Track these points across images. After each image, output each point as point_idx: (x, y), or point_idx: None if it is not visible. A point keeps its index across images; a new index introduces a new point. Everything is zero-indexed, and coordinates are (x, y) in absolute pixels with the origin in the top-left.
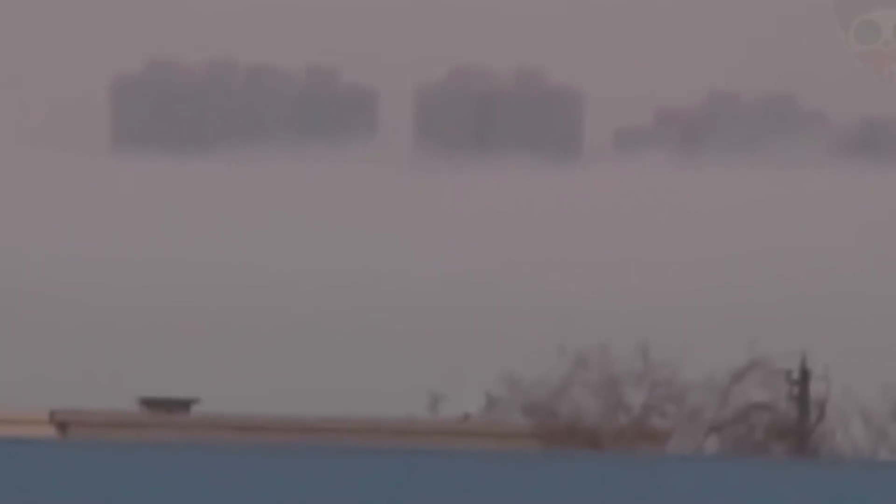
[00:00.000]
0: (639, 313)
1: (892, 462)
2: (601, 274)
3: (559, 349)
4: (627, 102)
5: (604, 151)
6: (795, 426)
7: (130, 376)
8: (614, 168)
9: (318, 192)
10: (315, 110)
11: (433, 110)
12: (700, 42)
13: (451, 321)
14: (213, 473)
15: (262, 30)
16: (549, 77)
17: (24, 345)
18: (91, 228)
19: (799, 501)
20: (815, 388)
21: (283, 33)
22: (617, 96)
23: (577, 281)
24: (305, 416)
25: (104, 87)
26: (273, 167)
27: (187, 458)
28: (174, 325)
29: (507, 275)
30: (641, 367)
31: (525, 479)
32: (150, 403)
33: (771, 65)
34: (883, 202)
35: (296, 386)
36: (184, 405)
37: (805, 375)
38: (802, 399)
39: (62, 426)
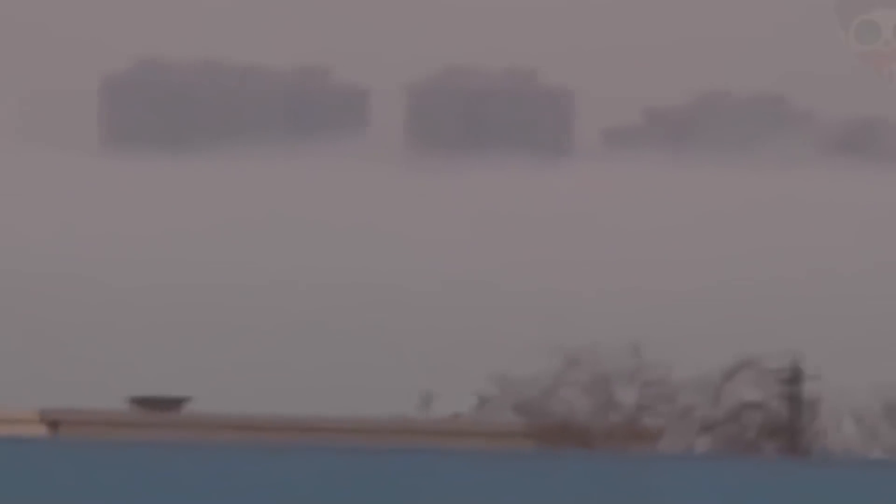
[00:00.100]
0: (630, 312)
1: (884, 461)
2: (592, 273)
3: (550, 348)
4: (618, 101)
5: (594, 150)
6: (787, 425)
7: (122, 375)
8: (604, 167)
9: (309, 191)
10: (306, 109)
11: (424, 109)
12: (692, 41)
13: (441, 320)
14: (205, 473)
15: (253, 29)
16: (539, 76)
17: (14, 343)
18: (81, 226)
19: (790, 501)
20: (807, 388)
21: (274, 32)
22: (607, 95)
23: (568, 280)
24: (297, 416)
25: (94, 85)
26: (263, 166)
27: (179, 458)
28: (165, 324)
29: (497, 274)
30: (633, 366)
31: (516, 479)
32: (140, 402)
33: (763, 64)
34: (875, 202)
35: (286, 385)
36: (174, 404)
37: (796, 375)
38: (794, 398)
39: (53, 425)
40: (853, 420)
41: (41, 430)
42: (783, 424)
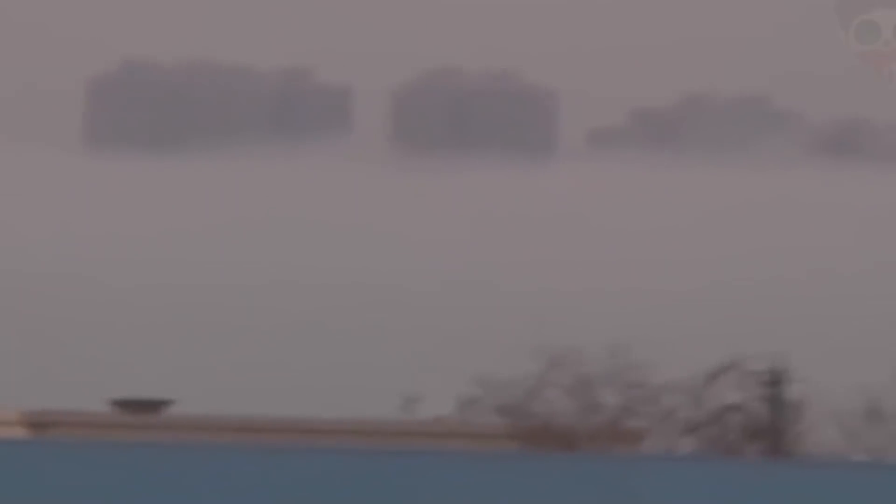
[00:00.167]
0: (614, 313)
1: (866, 463)
2: (577, 273)
3: (533, 349)
4: (602, 102)
5: (580, 151)
6: (769, 427)
7: (110, 376)
8: (590, 167)
9: (296, 191)
10: (291, 109)
11: (409, 110)
12: (686, 42)
13: (423, 321)
14: (190, 474)
15: (240, 29)
16: (525, 77)
17: (6, 344)
18: (64, 226)
19: (773, 502)
20: (789, 390)
21: (260, 33)
22: (594, 96)
23: (552, 280)
24: (280, 417)
25: (80, 85)
26: (250, 166)
27: (163, 459)
28: (152, 325)
29: (480, 274)
30: (616, 367)
31: (499, 480)
32: (121, 405)
33: (757, 65)
34: (862, 203)
35: (270, 386)
36: (155, 406)
37: (779, 377)
38: (776, 400)
39: (35, 427)
40: (835, 422)
41: (24, 432)
42: (765, 426)
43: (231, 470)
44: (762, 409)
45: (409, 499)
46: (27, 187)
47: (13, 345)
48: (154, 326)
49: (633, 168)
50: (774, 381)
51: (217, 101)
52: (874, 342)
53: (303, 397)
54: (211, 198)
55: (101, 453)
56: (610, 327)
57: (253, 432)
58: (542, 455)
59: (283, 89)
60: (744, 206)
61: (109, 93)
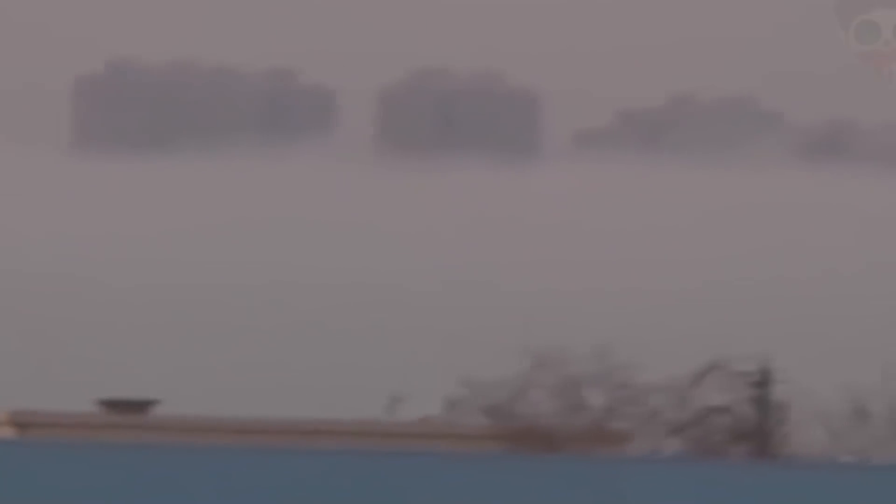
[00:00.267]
0: (598, 314)
1: (851, 464)
2: (560, 275)
3: (518, 351)
4: (589, 102)
5: (565, 151)
6: (755, 429)
7: (94, 377)
8: (576, 168)
9: (280, 192)
10: (279, 110)
11: (395, 110)
12: (671, 42)
13: (409, 322)
14: (175, 474)
15: (226, 30)
16: (511, 77)
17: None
18: (50, 225)
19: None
20: (775, 391)
21: (246, 34)
22: (579, 96)
23: (537, 281)
24: (267, 418)
25: (65, 86)
26: (236, 166)
27: (148, 460)
28: (135, 326)
29: (466, 275)
30: (601, 369)
31: (484, 481)
32: (108, 405)
33: (743, 65)
34: (849, 205)
35: (256, 388)
36: (142, 407)
37: (764, 378)
38: (762, 401)
39: (21, 427)
40: (821, 423)
41: (11, 432)
42: (751, 428)
43: (217, 470)
44: (748, 410)
45: (394, 499)
46: (13, 187)
47: (2, 345)
48: (140, 326)
49: (621, 169)
50: (760, 382)
51: (205, 102)
52: (860, 344)
53: (289, 398)
54: (198, 198)
55: (87, 454)
56: (595, 328)
57: (239, 433)
58: (527, 456)
59: (270, 90)
60: (730, 208)
61: (96, 93)
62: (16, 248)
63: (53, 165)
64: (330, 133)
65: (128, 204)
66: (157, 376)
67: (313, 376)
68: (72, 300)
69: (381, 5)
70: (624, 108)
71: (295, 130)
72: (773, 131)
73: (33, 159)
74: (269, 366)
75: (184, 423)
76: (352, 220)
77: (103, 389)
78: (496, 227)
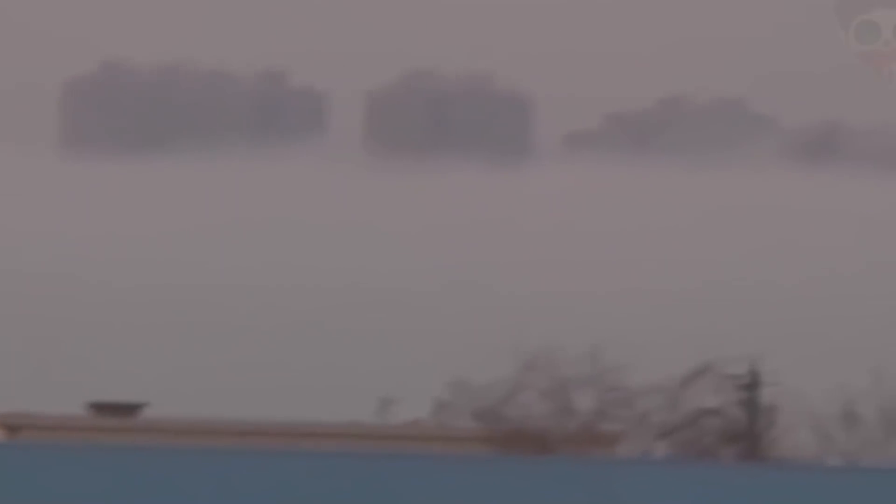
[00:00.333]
0: (589, 317)
1: (840, 466)
2: (551, 277)
3: (509, 353)
4: (579, 104)
5: (556, 153)
6: (744, 431)
7: (83, 379)
8: (566, 170)
9: (272, 195)
10: (269, 112)
11: (386, 112)
12: (663, 44)
13: (400, 325)
14: (163, 477)
15: (216, 32)
16: (501, 79)
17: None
18: (41, 228)
19: None
20: (764, 393)
21: (236, 36)
22: (569, 98)
23: (527, 284)
24: (254, 420)
25: (57, 87)
26: (227, 168)
27: (136, 463)
28: (127, 328)
29: (457, 277)
30: (591, 371)
31: (474, 484)
32: (98, 408)
33: (734, 67)
34: (838, 206)
35: (245, 389)
36: (131, 410)
37: (754, 380)
38: (751, 404)
39: (12, 430)
40: (811, 425)
41: (0, 435)
42: (741, 430)
43: (207, 473)
44: (738, 412)
45: (385, 502)
46: (4, 187)
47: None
48: (132, 328)
49: (612, 171)
50: (750, 384)
51: (197, 104)
52: (849, 347)
53: (279, 400)
54: (190, 199)
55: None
56: (586, 330)
57: (229, 435)
58: (519, 458)
59: (262, 91)
60: (721, 210)
61: (88, 94)
62: (7, 249)
63: (44, 166)
64: (321, 135)
65: (120, 205)
66: (149, 378)
67: (304, 378)
68: (63, 302)
69: (372, 8)
70: (615, 109)
71: (286, 132)
72: (765, 133)
73: (24, 160)
74: (260, 368)
75: (174, 426)
76: (343, 221)
77: (94, 392)
78: (487, 229)
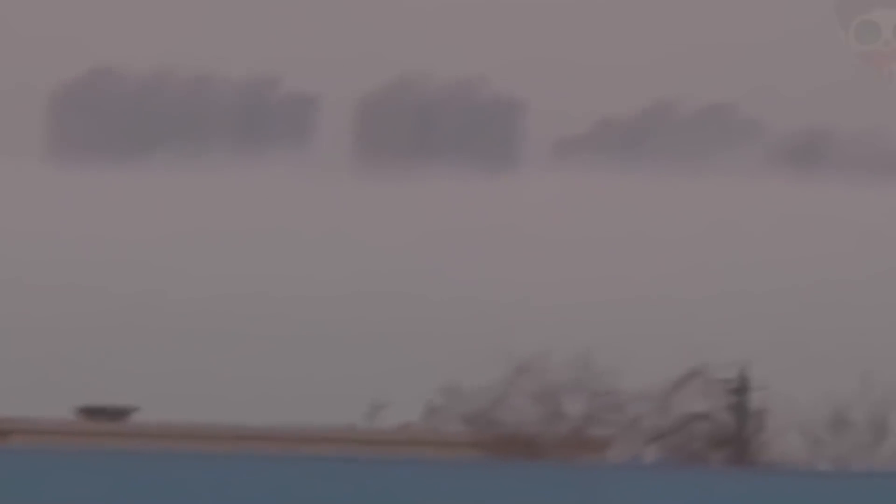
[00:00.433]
0: (578, 322)
1: (830, 471)
2: (541, 282)
3: (499, 358)
4: (569, 111)
5: (545, 160)
6: (734, 436)
7: (72, 384)
8: (556, 176)
9: (259, 201)
10: (256, 118)
11: (375, 118)
12: (655, 50)
13: (389, 330)
14: (156, 481)
15: (205, 38)
16: (490, 85)
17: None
18: (26, 233)
19: None
20: (754, 398)
21: (225, 41)
22: (559, 105)
23: (516, 289)
24: (245, 425)
25: (44, 92)
26: (215, 174)
27: (127, 467)
28: (115, 333)
29: (446, 283)
30: (581, 375)
31: (464, 489)
32: (88, 412)
33: (724, 73)
34: (828, 215)
35: (234, 394)
36: (121, 414)
37: (744, 385)
38: (741, 408)
39: (2, 434)
40: (800, 431)
41: None
42: (730, 435)
43: (197, 478)
44: (727, 417)
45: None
46: None
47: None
48: (120, 333)
49: (602, 177)
50: (739, 389)
51: (185, 110)
52: (839, 351)
53: (268, 405)
54: (178, 206)
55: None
56: (576, 336)
57: (219, 440)
58: (508, 463)
59: (251, 97)
60: (712, 216)
61: (75, 100)
62: None
63: (29, 172)
64: (310, 141)
65: (109, 210)
66: (138, 383)
67: (292, 383)
68: (53, 306)
69: (361, 13)
70: (605, 116)
71: (274, 138)
72: (757, 139)
73: (10, 165)
74: (249, 373)
75: (165, 430)
76: (332, 227)
77: (84, 396)
78: (476, 235)
